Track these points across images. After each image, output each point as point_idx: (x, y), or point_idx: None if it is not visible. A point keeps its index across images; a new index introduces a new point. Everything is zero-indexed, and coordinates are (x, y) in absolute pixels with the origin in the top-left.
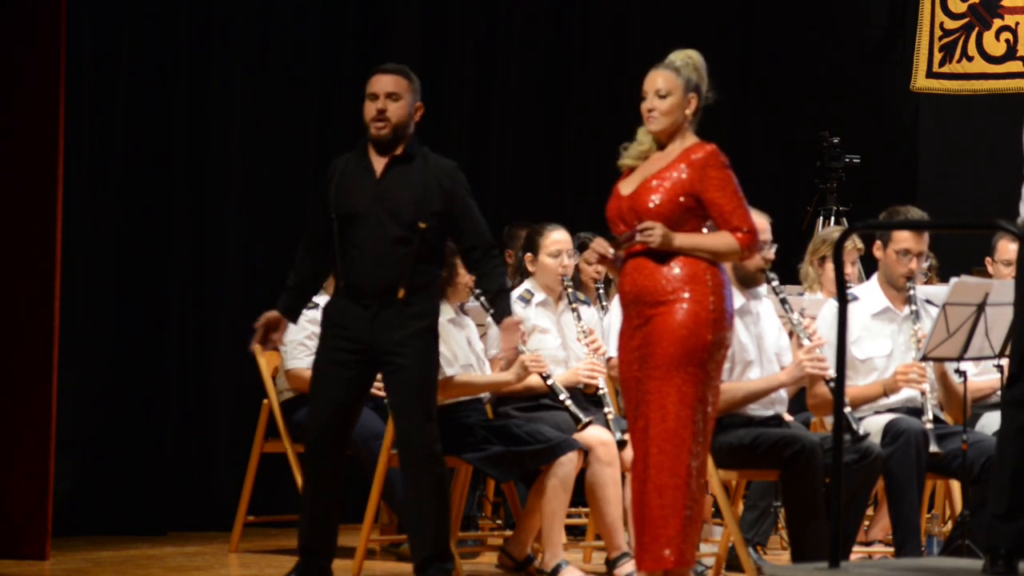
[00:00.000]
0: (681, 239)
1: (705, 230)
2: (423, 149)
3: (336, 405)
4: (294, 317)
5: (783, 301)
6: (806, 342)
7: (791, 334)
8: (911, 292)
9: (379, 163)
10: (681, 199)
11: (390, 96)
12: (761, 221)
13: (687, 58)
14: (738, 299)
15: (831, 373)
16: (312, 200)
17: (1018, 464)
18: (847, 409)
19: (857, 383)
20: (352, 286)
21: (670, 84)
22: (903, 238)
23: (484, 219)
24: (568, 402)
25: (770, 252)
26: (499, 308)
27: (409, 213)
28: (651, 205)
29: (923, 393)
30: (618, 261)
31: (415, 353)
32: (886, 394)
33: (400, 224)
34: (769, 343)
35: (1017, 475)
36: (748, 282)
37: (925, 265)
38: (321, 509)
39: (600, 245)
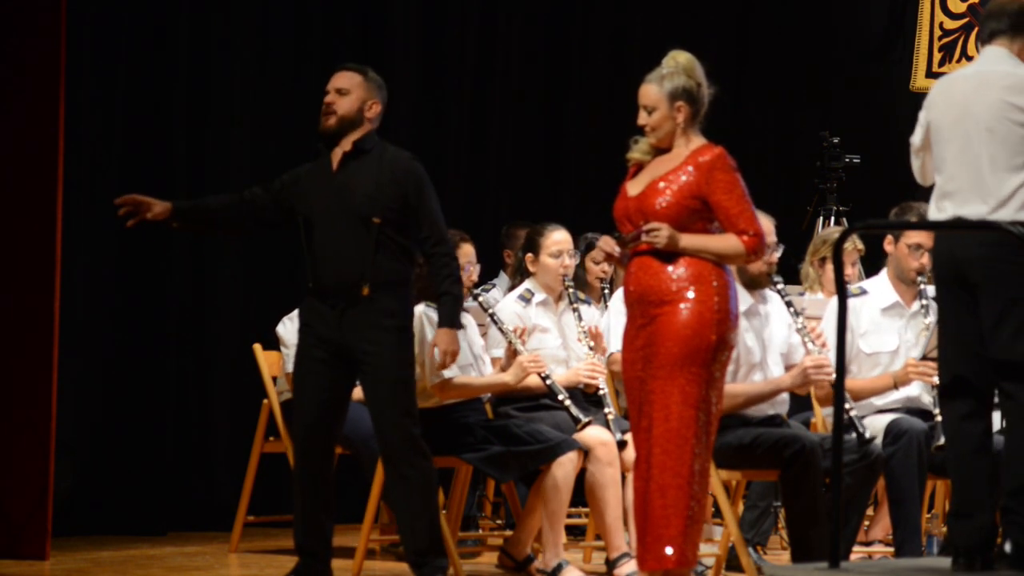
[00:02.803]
0: (687, 240)
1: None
2: (381, 144)
3: (318, 405)
4: (180, 216)
5: (789, 304)
6: (811, 347)
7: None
8: (921, 287)
9: (335, 159)
10: (688, 202)
11: (339, 91)
12: (766, 224)
13: (674, 64)
14: (746, 301)
15: (833, 378)
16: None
17: (963, 466)
18: (854, 413)
19: (861, 377)
20: (318, 286)
21: (653, 98)
22: (915, 233)
23: (438, 211)
24: (567, 402)
25: (774, 255)
26: (443, 312)
27: (363, 209)
28: (658, 207)
29: (933, 386)
30: (624, 259)
31: (387, 352)
32: (896, 386)
33: (356, 220)
34: (777, 344)
35: (962, 477)
36: (753, 285)
37: None
38: (312, 509)
39: (607, 243)
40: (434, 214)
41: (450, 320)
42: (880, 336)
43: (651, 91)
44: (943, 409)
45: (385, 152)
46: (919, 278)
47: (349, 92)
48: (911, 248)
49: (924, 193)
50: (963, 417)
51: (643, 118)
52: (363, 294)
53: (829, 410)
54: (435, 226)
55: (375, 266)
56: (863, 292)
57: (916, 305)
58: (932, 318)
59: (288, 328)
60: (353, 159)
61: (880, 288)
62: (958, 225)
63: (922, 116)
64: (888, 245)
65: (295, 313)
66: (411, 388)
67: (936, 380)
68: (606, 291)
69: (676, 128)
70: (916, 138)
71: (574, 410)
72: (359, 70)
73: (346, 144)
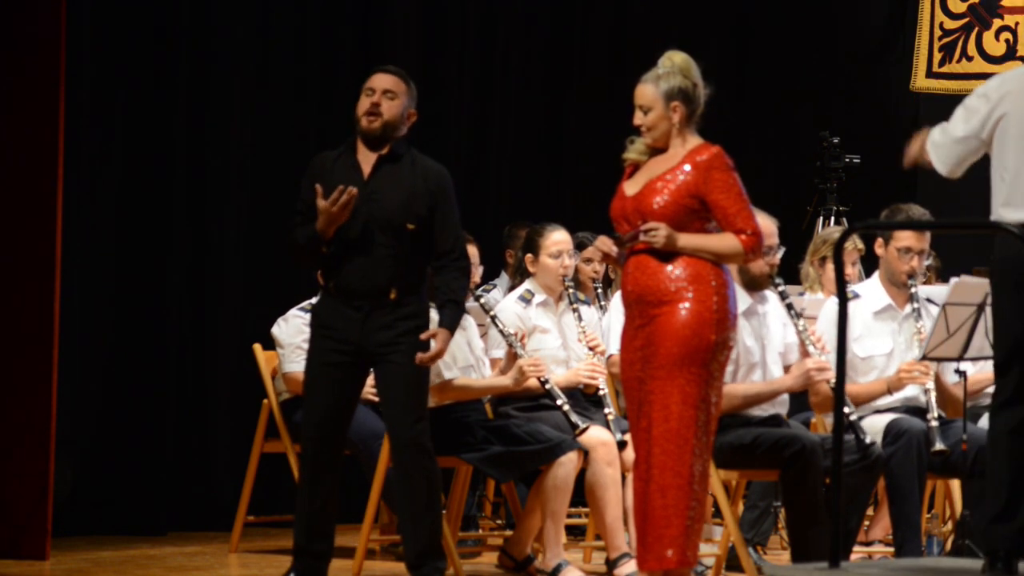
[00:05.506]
0: (685, 240)
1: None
2: (412, 151)
3: (329, 407)
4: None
5: (789, 307)
6: (812, 349)
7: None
8: (913, 290)
9: (366, 163)
10: (685, 201)
11: (386, 93)
12: (768, 225)
13: (670, 64)
14: (745, 301)
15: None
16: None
17: (1010, 466)
18: (853, 417)
19: (857, 381)
20: (342, 288)
21: (649, 98)
22: (904, 236)
23: (460, 224)
24: (566, 407)
25: (776, 257)
26: (445, 316)
27: (398, 215)
28: (655, 207)
29: (927, 391)
30: (621, 259)
31: (407, 350)
32: (890, 391)
33: (389, 225)
34: (774, 344)
35: (1009, 477)
36: (754, 286)
37: (926, 262)
38: (317, 510)
39: (604, 243)
40: (458, 226)
41: (451, 324)
42: (874, 339)
43: (647, 91)
44: (992, 414)
45: (416, 160)
46: (910, 281)
47: (396, 96)
48: (900, 251)
49: (921, 197)
50: (1012, 430)
51: (639, 118)
52: (390, 298)
53: (828, 414)
54: (458, 239)
55: (404, 271)
56: (855, 296)
57: (908, 308)
58: (927, 322)
59: (283, 328)
60: (387, 164)
61: (872, 291)
62: (959, 225)
63: (984, 108)
64: (879, 248)
65: (290, 313)
66: (425, 388)
67: (930, 384)
68: (599, 290)
69: (672, 128)
70: (971, 128)
71: (573, 416)
72: (404, 76)
73: (383, 149)
